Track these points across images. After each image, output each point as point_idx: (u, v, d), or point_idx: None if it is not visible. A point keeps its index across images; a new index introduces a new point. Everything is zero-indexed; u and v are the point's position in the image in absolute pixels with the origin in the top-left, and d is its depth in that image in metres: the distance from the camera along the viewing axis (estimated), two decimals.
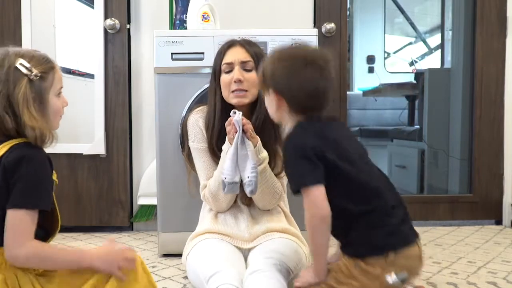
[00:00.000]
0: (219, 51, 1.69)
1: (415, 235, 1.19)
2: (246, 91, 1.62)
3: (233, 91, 1.61)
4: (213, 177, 1.62)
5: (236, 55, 1.64)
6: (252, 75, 1.62)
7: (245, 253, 1.57)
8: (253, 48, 1.66)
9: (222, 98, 1.66)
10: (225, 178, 1.48)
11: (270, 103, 1.28)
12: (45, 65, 1.17)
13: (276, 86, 1.24)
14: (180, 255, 1.72)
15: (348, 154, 1.21)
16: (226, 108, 1.60)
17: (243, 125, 1.47)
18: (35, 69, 1.13)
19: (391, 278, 1.10)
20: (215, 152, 1.65)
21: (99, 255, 1.13)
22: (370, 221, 1.16)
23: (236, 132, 1.48)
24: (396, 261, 1.11)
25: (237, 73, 1.61)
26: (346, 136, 1.29)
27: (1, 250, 1.07)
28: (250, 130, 1.50)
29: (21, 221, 1.06)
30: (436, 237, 2.44)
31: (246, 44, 1.67)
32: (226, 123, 1.52)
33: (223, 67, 1.64)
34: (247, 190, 1.47)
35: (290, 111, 1.24)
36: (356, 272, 1.14)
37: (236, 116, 1.47)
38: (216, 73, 1.67)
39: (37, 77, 1.13)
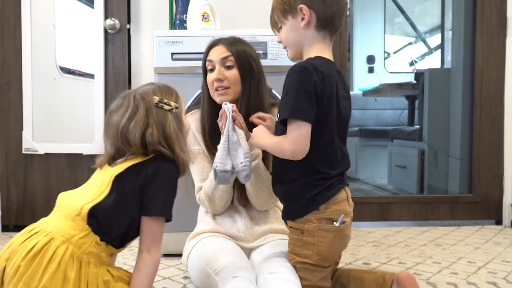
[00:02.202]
0: (205, 51, 1.68)
1: (343, 183, 1.34)
2: (229, 87, 1.61)
3: (216, 89, 1.61)
4: (208, 180, 1.61)
5: (215, 53, 1.63)
6: (233, 72, 1.61)
7: (246, 252, 1.57)
8: (235, 47, 1.64)
9: (209, 99, 1.65)
10: (216, 166, 1.45)
11: (294, 25, 1.37)
12: (173, 93, 1.25)
13: (308, 0, 1.33)
14: (180, 255, 1.72)
15: (337, 113, 1.31)
16: (217, 108, 1.59)
17: (232, 113, 1.47)
18: (172, 102, 1.22)
19: (337, 222, 1.30)
20: (210, 153, 1.64)
21: None
22: (316, 183, 1.30)
23: (225, 126, 1.47)
24: (327, 209, 1.29)
25: (216, 72, 1.61)
26: (344, 96, 1.36)
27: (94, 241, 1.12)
28: (239, 119, 1.49)
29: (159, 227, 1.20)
30: (436, 237, 2.44)
31: (228, 44, 1.65)
32: (218, 119, 1.52)
33: (207, 64, 1.64)
34: (242, 175, 1.44)
35: (317, 26, 1.34)
36: (305, 238, 1.31)
37: (227, 105, 1.47)
38: (204, 73, 1.67)
39: (177, 108, 1.22)
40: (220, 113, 1.50)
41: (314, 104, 1.25)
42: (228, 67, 1.61)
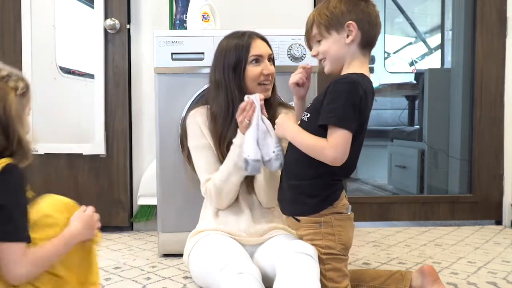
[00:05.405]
0: (239, 44, 1.65)
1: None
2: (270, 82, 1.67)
3: (261, 84, 1.64)
4: (219, 172, 1.61)
5: (264, 48, 1.67)
6: (273, 70, 1.68)
7: (248, 251, 1.57)
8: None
9: (240, 91, 1.61)
10: (248, 156, 1.45)
11: (338, 40, 1.38)
12: (25, 82, 1.10)
13: (356, 18, 1.36)
14: (180, 255, 1.72)
15: (366, 128, 1.40)
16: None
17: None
18: (20, 84, 1.06)
19: (348, 211, 1.42)
20: (221, 149, 1.64)
21: (78, 225, 1.17)
22: (333, 183, 1.39)
23: (250, 117, 1.49)
24: (338, 204, 1.40)
25: (268, 67, 1.65)
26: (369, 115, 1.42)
27: None
28: (264, 110, 1.51)
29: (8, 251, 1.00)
30: (436, 237, 2.44)
31: (267, 41, 1.71)
32: (238, 113, 1.52)
33: (251, 58, 1.64)
34: (276, 164, 1.46)
35: (360, 44, 1.38)
36: (324, 229, 1.38)
37: (254, 95, 1.50)
38: (238, 65, 1.63)
39: (22, 93, 1.06)
40: (241, 106, 1.52)
41: (357, 116, 1.31)
42: (270, 62, 1.68)
